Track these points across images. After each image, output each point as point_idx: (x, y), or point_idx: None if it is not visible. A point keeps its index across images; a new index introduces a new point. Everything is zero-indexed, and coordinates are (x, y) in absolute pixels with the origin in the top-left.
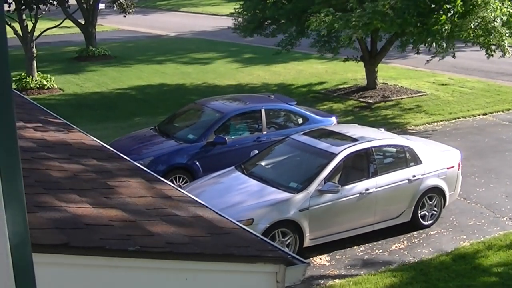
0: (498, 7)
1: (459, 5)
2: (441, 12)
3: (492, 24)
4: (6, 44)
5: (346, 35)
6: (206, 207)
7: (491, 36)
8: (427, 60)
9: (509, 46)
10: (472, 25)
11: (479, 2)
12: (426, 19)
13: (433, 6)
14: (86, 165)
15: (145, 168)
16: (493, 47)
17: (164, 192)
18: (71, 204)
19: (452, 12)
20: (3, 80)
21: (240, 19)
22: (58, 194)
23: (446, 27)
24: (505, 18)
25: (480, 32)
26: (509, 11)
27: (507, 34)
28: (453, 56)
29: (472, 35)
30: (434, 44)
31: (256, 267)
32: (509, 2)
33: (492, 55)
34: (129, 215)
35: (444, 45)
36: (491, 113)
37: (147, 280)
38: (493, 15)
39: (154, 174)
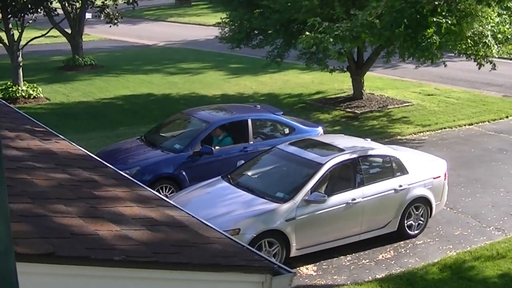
0: (490, 18)
1: (450, 20)
2: (432, 27)
3: (484, 35)
4: None
5: (335, 49)
6: (193, 217)
7: (479, 46)
8: (416, 66)
9: (498, 57)
10: (467, 33)
11: (472, 12)
12: (415, 33)
13: (421, 19)
14: (72, 175)
15: (131, 178)
16: (482, 60)
17: (150, 202)
18: (57, 213)
19: (441, 26)
20: None
21: (227, 29)
22: (43, 203)
23: (435, 41)
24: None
25: (469, 43)
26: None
27: (494, 46)
28: (445, 65)
29: (463, 46)
30: (422, 58)
31: (243, 277)
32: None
33: (483, 65)
34: (115, 225)
35: (436, 56)
36: (477, 123)
37: None
38: (485, 27)
39: (140, 184)
